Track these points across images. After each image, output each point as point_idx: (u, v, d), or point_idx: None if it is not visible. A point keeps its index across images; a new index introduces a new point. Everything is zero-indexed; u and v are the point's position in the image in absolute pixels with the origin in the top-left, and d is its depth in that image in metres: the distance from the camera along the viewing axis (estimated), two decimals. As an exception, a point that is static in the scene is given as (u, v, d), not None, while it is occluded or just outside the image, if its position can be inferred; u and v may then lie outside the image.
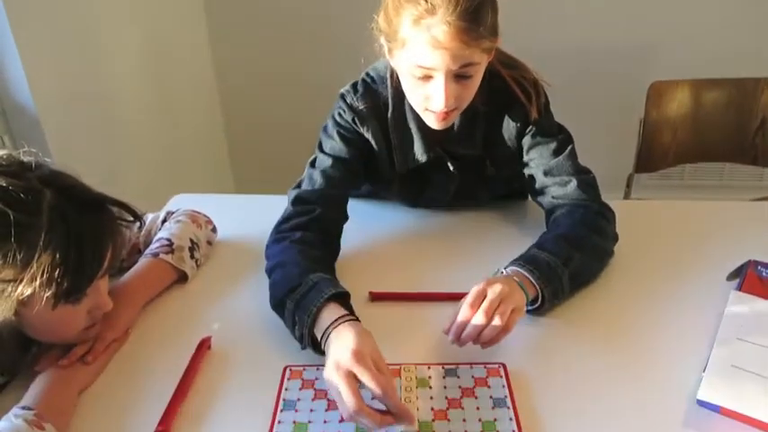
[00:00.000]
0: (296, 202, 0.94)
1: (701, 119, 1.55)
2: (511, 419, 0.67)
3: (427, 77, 0.82)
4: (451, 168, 1.02)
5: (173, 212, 1.01)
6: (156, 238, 0.94)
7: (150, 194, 1.22)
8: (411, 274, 0.95)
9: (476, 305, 0.73)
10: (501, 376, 0.73)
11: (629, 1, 2.05)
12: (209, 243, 1.02)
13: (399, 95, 0.95)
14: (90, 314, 0.74)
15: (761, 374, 0.70)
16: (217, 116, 2.36)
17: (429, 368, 0.74)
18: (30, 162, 0.67)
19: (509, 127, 0.98)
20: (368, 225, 1.08)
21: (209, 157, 2.33)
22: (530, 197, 1.05)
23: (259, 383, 0.73)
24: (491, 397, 0.70)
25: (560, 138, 0.97)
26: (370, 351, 0.66)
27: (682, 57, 2.05)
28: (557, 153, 0.96)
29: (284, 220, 0.92)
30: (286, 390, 0.72)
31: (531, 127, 0.95)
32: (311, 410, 0.69)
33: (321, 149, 0.99)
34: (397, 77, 0.92)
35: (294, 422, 0.67)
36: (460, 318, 0.73)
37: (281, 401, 0.70)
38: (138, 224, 0.83)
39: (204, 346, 0.79)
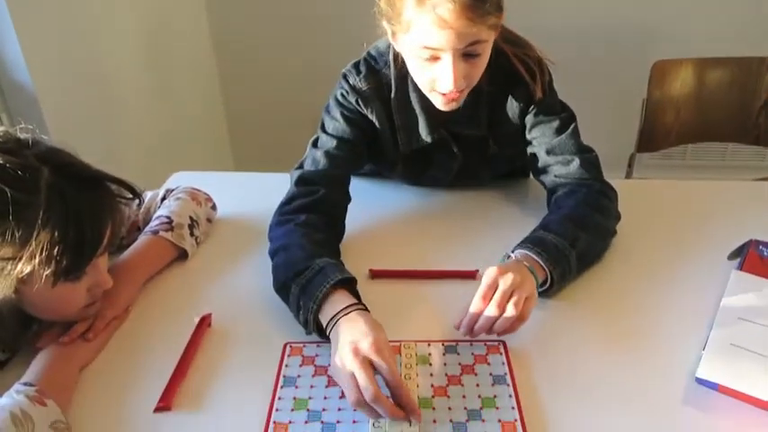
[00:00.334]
0: (299, 182, 0.92)
1: (705, 98, 1.54)
2: (510, 396, 0.67)
3: (434, 58, 0.80)
4: (455, 150, 1.01)
5: (172, 190, 1.00)
6: (156, 215, 0.93)
7: (149, 173, 1.21)
8: (411, 252, 0.94)
9: (488, 297, 0.72)
10: (501, 353, 0.73)
11: (634, -21, 2.02)
12: (209, 221, 1.01)
13: (402, 76, 0.93)
14: (90, 292, 0.74)
15: (760, 353, 0.70)
16: (216, 94, 2.34)
17: (429, 345, 0.75)
18: (26, 139, 0.67)
19: (513, 106, 0.97)
20: (369, 203, 1.07)
21: (209, 135, 2.31)
22: (532, 176, 1.04)
23: (259, 360, 0.74)
24: (491, 374, 0.70)
25: (563, 116, 0.96)
26: (386, 343, 0.66)
27: (685, 36, 2.02)
28: (560, 131, 0.96)
29: (287, 201, 0.91)
30: (286, 366, 0.72)
31: (534, 105, 0.95)
32: (311, 387, 0.69)
33: (324, 130, 0.98)
34: (401, 59, 0.91)
35: (294, 398, 0.68)
36: (472, 309, 0.72)
37: (281, 378, 0.70)
38: (137, 202, 0.82)
39: (204, 323, 0.79)
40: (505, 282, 0.72)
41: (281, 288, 0.78)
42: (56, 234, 0.62)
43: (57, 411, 0.63)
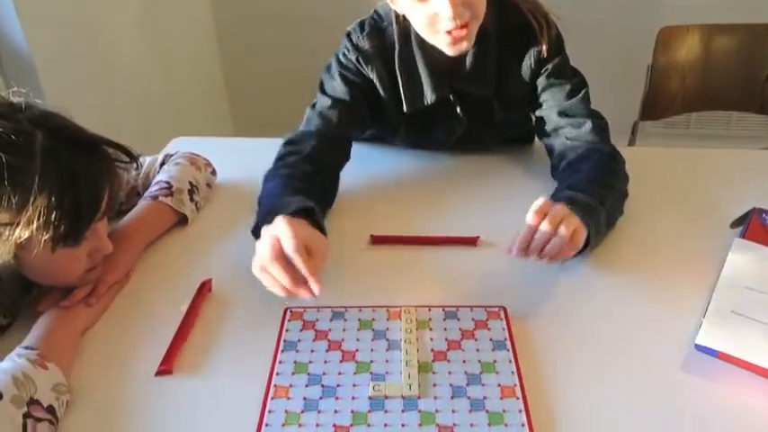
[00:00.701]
0: (288, 143, 0.92)
1: (711, 65, 1.51)
2: (510, 361, 0.67)
3: None
4: (459, 111, 0.99)
5: (171, 155, 0.99)
6: (155, 180, 0.92)
7: (149, 138, 1.19)
8: (413, 218, 0.94)
9: (540, 214, 0.70)
10: (501, 319, 0.73)
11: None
12: (209, 186, 1.00)
13: (405, 33, 0.91)
14: (90, 257, 0.73)
15: (761, 321, 0.70)
16: (215, 59, 2.30)
17: (429, 310, 0.74)
18: (19, 103, 0.65)
19: (522, 65, 0.95)
20: (370, 168, 1.06)
21: (208, 100, 2.28)
22: (537, 139, 1.03)
23: (260, 325, 0.73)
24: (491, 339, 0.70)
25: (575, 80, 0.95)
26: (297, 234, 0.67)
27: (692, 1, 1.98)
28: (572, 94, 0.94)
29: (276, 160, 0.91)
30: (287, 331, 0.72)
31: (546, 67, 0.93)
32: (312, 351, 0.69)
33: (322, 90, 0.96)
34: (402, 16, 0.88)
35: (295, 362, 0.68)
36: (529, 222, 0.71)
37: (281, 342, 0.70)
38: (135, 166, 0.81)
39: (205, 288, 0.79)
40: (555, 209, 0.71)
41: (254, 231, 0.78)
42: (53, 199, 0.61)
43: (58, 374, 0.63)
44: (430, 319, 0.73)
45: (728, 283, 0.76)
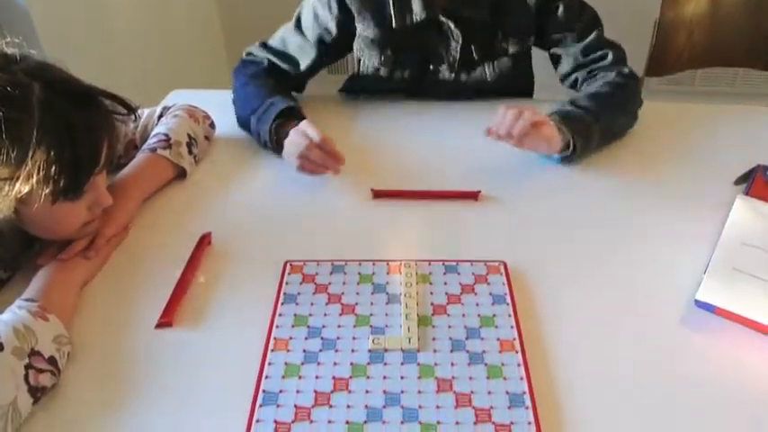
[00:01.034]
0: (248, 54, 1.05)
1: (718, 20, 1.46)
2: (510, 316, 0.66)
3: None
4: (453, 28, 0.97)
5: (169, 108, 0.96)
6: (153, 133, 0.90)
7: (146, 91, 1.16)
8: (414, 172, 0.92)
9: (516, 109, 0.83)
10: (501, 273, 0.72)
11: None
12: (208, 139, 0.98)
13: None
14: (90, 210, 0.72)
15: (761, 277, 0.69)
16: (213, 9, 2.24)
17: (430, 264, 0.74)
18: (14, 54, 0.62)
19: None
20: (369, 122, 1.04)
21: (207, 52, 2.23)
22: (536, 93, 1.04)
23: (259, 278, 0.73)
24: (491, 294, 0.70)
25: (589, 15, 0.98)
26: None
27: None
28: (590, 29, 0.97)
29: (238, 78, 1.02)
30: (287, 284, 0.71)
31: (557, 4, 0.96)
32: (312, 304, 0.69)
33: (297, 17, 1.01)
34: None
35: (295, 315, 0.67)
36: (500, 113, 0.84)
37: (281, 295, 0.70)
38: (132, 118, 0.79)
39: (204, 241, 0.78)
40: (529, 109, 0.83)
41: (244, 123, 0.96)
42: (52, 153, 0.59)
43: (59, 326, 0.62)
44: (430, 273, 0.73)
45: (731, 241, 0.75)
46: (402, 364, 0.61)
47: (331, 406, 0.57)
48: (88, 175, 0.66)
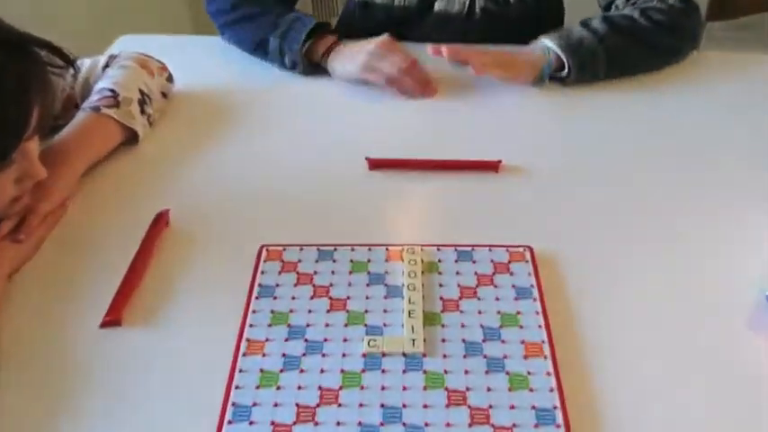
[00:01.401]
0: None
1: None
2: (537, 313, 0.66)
3: None
4: None
5: (116, 56, 0.95)
6: (97, 88, 0.89)
7: (90, 37, 1.16)
8: (419, 138, 0.93)
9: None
10: (526, 261, 0.72)
11: None
12: (164, 95, 0.97)
13: None
14: (18, 184, 0.70)
15: None
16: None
17: (439, 250, 0.74)
18: None
19: None
20: (363, 83, 1.03)
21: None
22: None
23: (229, 266, 0.72)
24: (513, 286, 0.69)
25: None
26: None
27: None
28: None
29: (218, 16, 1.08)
30: (262, 273, 0.71)
31: None
32: (293, 298, 0.68)
33: None
34: None
35: (272, 311, 0.66)
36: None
37: (256, 287, 0.69)
38: (71, 71, 0.79)
39: (161, 221, 0.77)
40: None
41: (258, 46, 1.01)
42: None
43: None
44: (439, 261, 0.72)
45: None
46: (404, 371, 0.61)
47: (317, 423, 0.56)
48: (16, 140, 0.65)
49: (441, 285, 0.69)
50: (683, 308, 0.67)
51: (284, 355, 0.62)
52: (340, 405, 0.58)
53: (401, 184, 0.85)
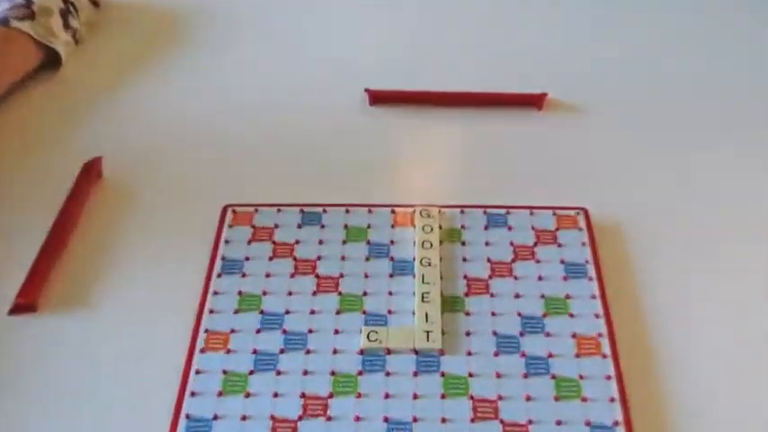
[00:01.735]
0: None
1: None
2: (593, 297, 0.65)
3: None
4: None
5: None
6: (5, -6, 0.88)
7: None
8: (430, 65, 0.93)
9: None
10: (580, 228, 0.71)
11: None
12: (95, 4, 0.97)
13: None
14: None
15: None
16: None
17: (462, 213, 0.72)
18: None
19: None
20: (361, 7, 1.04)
21: None
22: None
23: (182, 232, 0.72)
24: (563, 261, 0.68)
25: None
26: None
27: None
28: None
29: None
30: (227, 243, 0.70)
31: None
32: (267, 276, 0.67)
33: None
34: None
35: (240, 293, 0.65)
36: None
37: (218, 261, 0.68)
38: None
39: (93, 172, 0.76)
40: None
41: None
42: None
43: None
44: (463, 227, 0.71)
45: None
46: (415, 374, 0.59)
47: (299, 442, 0.55)
48: None
49: (465, 260, 0.69)
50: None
51: (256, 351, 0.61)
52: (330, 418, 0.57)
53: (412, 125, 0.84)
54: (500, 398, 0.58)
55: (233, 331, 0.63)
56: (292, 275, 0.67)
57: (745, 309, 0.66)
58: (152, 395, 0.58)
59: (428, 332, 0.62)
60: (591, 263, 0.68)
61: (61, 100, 0.87)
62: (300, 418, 0.56)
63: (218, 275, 0.67)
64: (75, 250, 0.70)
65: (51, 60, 0.89)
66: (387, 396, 0.58)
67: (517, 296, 0.65)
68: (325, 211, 0.73)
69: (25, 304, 0.65)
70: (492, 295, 0.66)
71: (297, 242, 0.70)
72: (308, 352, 0.61)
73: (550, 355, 0.61)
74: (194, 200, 0.74)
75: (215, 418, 0.56)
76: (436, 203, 0.73)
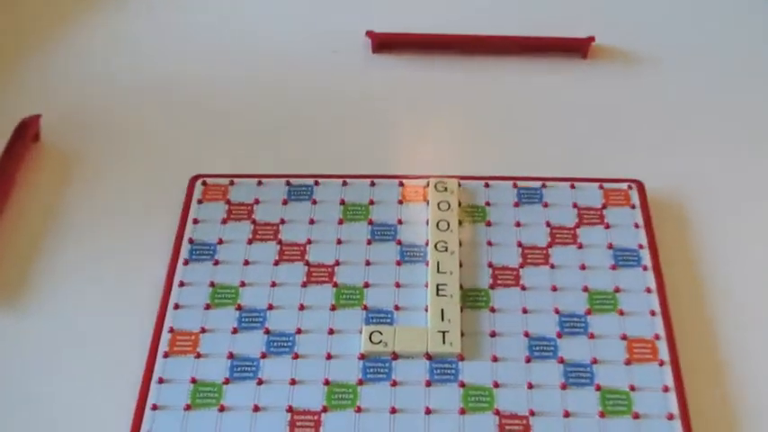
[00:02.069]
0: None
1: None
2: (649, 291, 0.65)
3: None
4: None
5: None
6: None
7: None
8: (437, 4, 0.93)
9: None
10: (632, 206, 0.71)
11: None
12: None
13: None
14: None
15: None
16: None
17: (487, 186, 0.73)
18: None
19: None
20: None
21: None
22: None
23: (140, 209, 0.72)
24: (611, 246, 0.68)
25: None
26: None
27: None
28: None
29: None
30: (195, 223, 0.70)
31: None
32: (246, 263, 0.67)
33: None
34: None
35: (213, 284, 0.66)
36: None
37: (184, 244, 0.69)
38: None
39: (28, 134, 0.77)
40: None
41: None
42: None
43: None
44: (487, 204, 0.71)
45: None
46: (428, 383, 0.60)
47: (285, 466, 0.56)
48: None
49: (490, 244, 0.69)
50: None
51: (231, 355, 0.62)
52: (323, 438, 0.57)
53: (425, 78, 0.85)
54: (532, 413, 0.58)
55: (203, 331, 0.63)
56: (276, 263, 0.68)
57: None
58: (104, 410, 0.59)
59: (444, 333, 0.62)
60: (646, 248, 0.68)
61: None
62: (287, 437, 0.57)
63: (185, 262, 0.68)
64: (5, 230, 0.71)
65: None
66: (393, 411, 0.58)
67: (554, 289, 0.66)
68: (316, 183, 0.73)
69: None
70: (523, 288, 0.66)
71: (282, 222, 0.70)
72: (296, 356, 0.62)
73: (595, 362, 0.61)
74: (154, 169, 0.75)
75: (182, 437, 0.57)
76: (454, 174, 0.73)
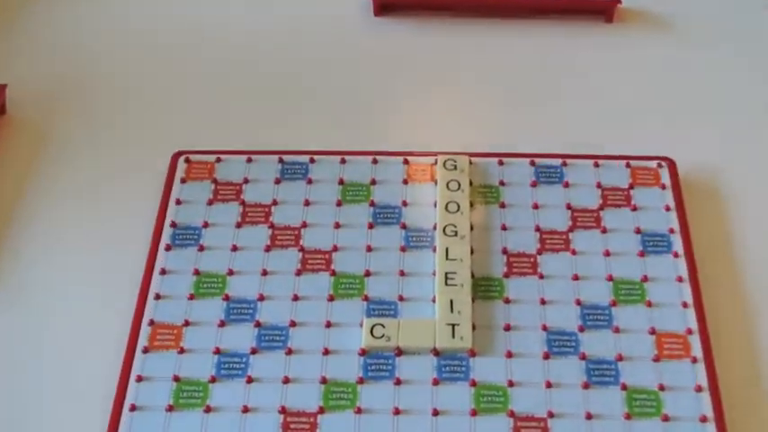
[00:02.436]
0: None
1: None
2: (681, 280, 0.65)
3: None
4: None
5: None
6: None
7: None
8: None
9: None
10: (662, 186, 0.71)
11: None
12: None
13: None
14: None
15: None
16: None
17: (501, 164, 0.72)
18: None
19: None
20: None
21: None
22: None
23: (114, 190, 0.72)
24: (638, 230, 0.68)
25: None
26: None
27: None
28: None
29: None
30: (179, 204, 0.70)
31: None
32: (235, 249, 0.67)
33: None
34: None
35: (197, 272, 0.66)
36: None
37: (166, 228, 0.68)
38: None
39: None
40: None
41: None
42: None
43: None
44: (501, 184, 0.71)
45: None
46: (436, 382, 0.60)
47: (277, 473, 0.56)
48: None
49: (504, 228, 0.69)
50: None
51: (218, 351, 0.62)
52: (319, 441, 0.57)
53: (433, 43, 0.84)
54: (551, 415, 0.58)
55: (187, 324, 0.63)
56: (268, 248, 0.68)
57: None
58: (77, 411, 0.59)
59: (453, 326, 0.62)
60: (677, 233, 0.68)
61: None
62: (279, 440, 0.57)
63: (167, 248, 0.68)
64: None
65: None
66: (396, 412, 0.58)
67: (576, 278, 0.66)
68: (312, 160, 0.73)
69: None
70: (541, 277, 0.66)
71: (274, 203, 0.70)
72: (289, 352, 0.62)
73: (620, 358, 0.61)
74: (132, 145, 0.75)
75: (163, 441, 0.57)
76: (465, 150, 0.73)
